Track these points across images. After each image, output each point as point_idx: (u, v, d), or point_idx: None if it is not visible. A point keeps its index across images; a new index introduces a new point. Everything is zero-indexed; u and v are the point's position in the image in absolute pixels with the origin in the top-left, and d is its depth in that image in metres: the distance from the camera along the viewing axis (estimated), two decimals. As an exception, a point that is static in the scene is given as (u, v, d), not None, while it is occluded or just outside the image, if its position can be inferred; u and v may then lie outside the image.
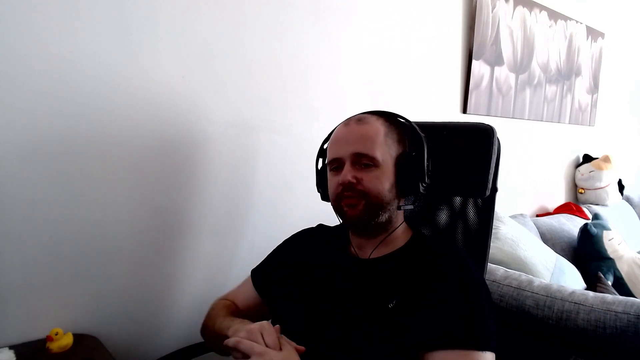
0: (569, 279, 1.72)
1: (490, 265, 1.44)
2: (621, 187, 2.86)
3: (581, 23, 2.61)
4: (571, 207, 2.57)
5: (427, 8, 1.71)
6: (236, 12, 1.18)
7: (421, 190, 0.83)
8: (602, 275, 1.92)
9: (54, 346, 0.91)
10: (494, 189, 0.94)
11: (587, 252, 2.11)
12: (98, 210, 1.01)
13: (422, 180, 0.82)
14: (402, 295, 0.76)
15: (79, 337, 0.97)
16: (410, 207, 0.87)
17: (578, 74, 2.67)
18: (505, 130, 2.11)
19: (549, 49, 2.39)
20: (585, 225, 2.15)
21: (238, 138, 1.23)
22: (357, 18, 1.47)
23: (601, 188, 2.69)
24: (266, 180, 1.32)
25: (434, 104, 1.81)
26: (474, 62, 1.92)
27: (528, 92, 2.30)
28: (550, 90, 2.46)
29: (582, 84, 2.72)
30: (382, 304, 0.76)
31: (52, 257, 0.97)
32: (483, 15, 1.92)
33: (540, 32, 2.29)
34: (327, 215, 0.95)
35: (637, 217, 2.90)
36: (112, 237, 1.04)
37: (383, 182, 0.81)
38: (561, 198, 2.77)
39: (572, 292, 1.22)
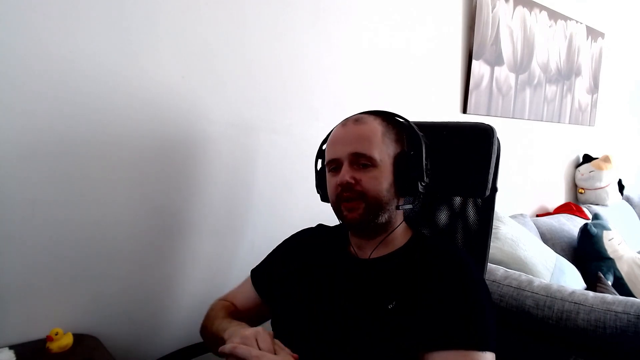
0: (569, 279, 1.72)
1: (490, 265, 1.44)
2: (621, 187, 2.86)
3: (581, 23, 2.61)
4: (571, 207, 2.57)
5: (427, 8, 1.71)
6: (236, 12, 1.18)
7: (420, 190, 0.83)
8: (602, 275, 1.92)
9: (54, 346, 0.91)
10: (494, 189, 0.94)
11: (587, 252, 2.11)
12: (98, 210, 1.01)
13: (421, 179, 0.82)
14: (402, 295, 0.76)
15: (79, 337, 0.97)
16: (410, 206, 0.86)
17: (578, 74, 2.67)
18: (505, 130, 2.11)
19: (549, 49, 2.39)
20: (585, 225, 2.15)
21: (238, 138, 1.23)
22: (357, 18, 1.47)
23: (601, 188, 2.69)
24: (266, 180, 1.32)
25: (434, 104, 1.81)
26: (474, 62, 1.92)
27: (528, 92, 2.30)
28: (550, 90, 2.46)
29: (582, 84, 2.72)
30: (382, 304, 0.76)
31: (52, 257, 0.97)
32: (483, 15, 1.92)
33: (540, 32, 2.29)
34: (327, 215, 0.95)
35: (637, 217, 2.90)
36: (112, 237, 1.04)
37: (381, 182, 0.81)
38: (561, 198, 2.77)
39: (572, 292, 1.22)
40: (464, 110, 1.95)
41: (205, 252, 1.22)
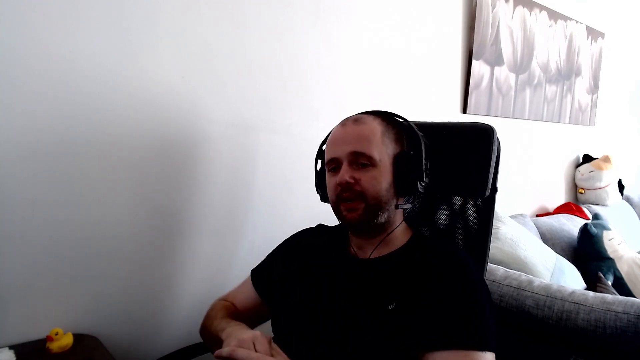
0: (569, 279, 1.72)
1: (490, 265, 1.44)
2: (621, 187, 2.86)
3: (581, 23, 2.61)
4: (571, 207, 2.57)
5: (427, 8, 1.71)
6: (236, 12, 1.18)
7: (419, 190, 0.83)
8: (602, 275, 1.92)
9: (54, 346, 0.91)
10: (494, 189, 0.94)
11: (587, 252, 2.11)
12: (98, 210, 1.01)
13: (420, 179, 0.82)
14: (402, 295, 0.76)
15: (79, 337, 0.97)
16: (409, 206, 0.86)
17: (578, 74, 2.67)
18: (505, 130, 2.11)
19: (549, 49, 2.39)
20: (585, 225, 2.15)
21: (238, 138, 1.23)
22: (357, 18, 1.47)
23: (601, 188, 2.69)
24: (266, 180, 1.32)
25: (434, 104, 1.81)
26: (474, 62, 1.92)
27: (528, 92, 2.30)
28: (550, 90, 2.46)
29: (582, 84, 2.72)
30: (382, 304, 0.76)
31: (52, 257, 0.97)
32: (483, 15, 1.92)
33: (540, 32, 2.29)
34: (327, 215, 0.95)
35: (637, 217, 2.90)
36: (112, 237, 1.04)
37: (381, 181, 0.80)
38: (561, 198, 2.77)
39: (572, 292, 1.22)
40: (464, 110, 1.95)
41: (205, 252, 1.22)
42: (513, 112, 2.22)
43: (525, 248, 1.64)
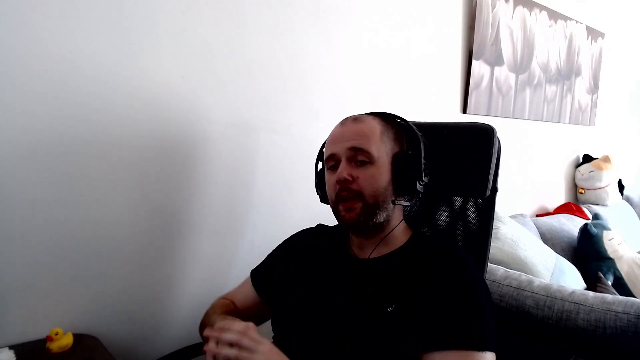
0: (569, 279, 1.72)
1: (490, 265, 1.44)
2: (621, 187, 2.86)
3: (581, 23, 2.61)
4: (571, 207, 2.57)
5: (427, 8, 1.71)
6: (236, 12, 1.18)
7: (418, 189, 0.82)
8: (602, 275, 1.92)
9: (54, 346, 0.91)
10: (494, 189, 0.94)
11: (587, 252, 2.11)
12: (98, 210, 1.01)
13: (419, 178, 0.82)
14: (401, 295, 0.76)
15: (79, 337, 0.97)
16: (407, 203, 0.86)
17: (578, 74, 2.67)
18: (505, 130, 2.11)
19: (549, 49, 2.39)
20: (585, 225, 2.15)
21: (238, 138, 1.23)
22: (357, 18, 1.47)
23: (601, 188, 2.69)
24: (266, 180, 1.32)
25: (434, 104, 1.81)
26: (474, 62, 1.92)
27: (528, 92, 2.30)
28: (550, 90, 2.46)
29: (582, 84, 2.72)
30: (382, 304, 0.76)
31: (52, 257, 0.97)
32: (483, 15, 1.92)
33: (540, 32, 2.29)
34: (327, 215, 0.95)
35: (637, 217, 2.90)
36: (112, 237, 1.04)
37: (379, 180, 0.80)
38: (561, 198, 2.77)
39: (572, 292, 1.22)
40: (464, 110, 1.95)
41: (205, 252, 1.22)
42: (513, 112, 2.22)
43: (525, 248, 1.64)
